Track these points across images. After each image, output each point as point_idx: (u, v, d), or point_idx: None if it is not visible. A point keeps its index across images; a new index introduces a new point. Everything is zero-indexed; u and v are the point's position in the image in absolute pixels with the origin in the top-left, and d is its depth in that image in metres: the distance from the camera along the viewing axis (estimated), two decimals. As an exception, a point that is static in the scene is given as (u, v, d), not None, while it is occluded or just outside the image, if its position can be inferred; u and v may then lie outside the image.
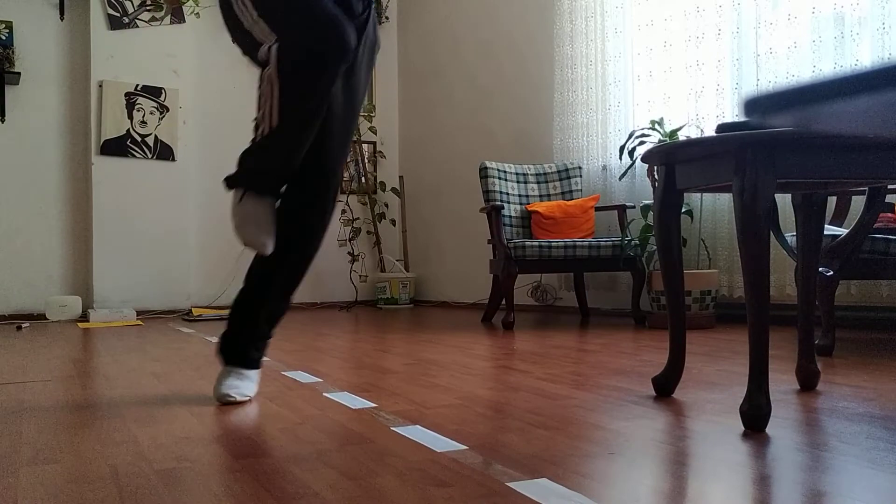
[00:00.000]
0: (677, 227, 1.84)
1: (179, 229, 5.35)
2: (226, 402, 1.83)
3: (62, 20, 5.19)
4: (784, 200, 3.34)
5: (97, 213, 5.08)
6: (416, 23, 6.31)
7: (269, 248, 1.82)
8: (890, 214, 2.88)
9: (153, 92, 5.26)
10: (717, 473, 1.18)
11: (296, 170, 1.86)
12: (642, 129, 3.86)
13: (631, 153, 3.85)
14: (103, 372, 2.46)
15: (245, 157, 1.85)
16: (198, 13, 5.40)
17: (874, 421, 1.52)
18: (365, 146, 6.27)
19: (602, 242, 3.90)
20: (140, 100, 5.23)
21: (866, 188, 2.44)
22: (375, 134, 6.30)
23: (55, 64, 5.17)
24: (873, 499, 1.04)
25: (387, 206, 6.36)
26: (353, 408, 1.76)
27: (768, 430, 1.45)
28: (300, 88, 1.74)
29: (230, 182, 1.84)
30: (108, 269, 5.09)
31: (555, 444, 1.38)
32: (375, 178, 6.32)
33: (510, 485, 1.13)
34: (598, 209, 4.26)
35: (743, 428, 1.47)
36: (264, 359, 1.96)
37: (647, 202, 3.71)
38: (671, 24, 4.12)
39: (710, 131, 3.83)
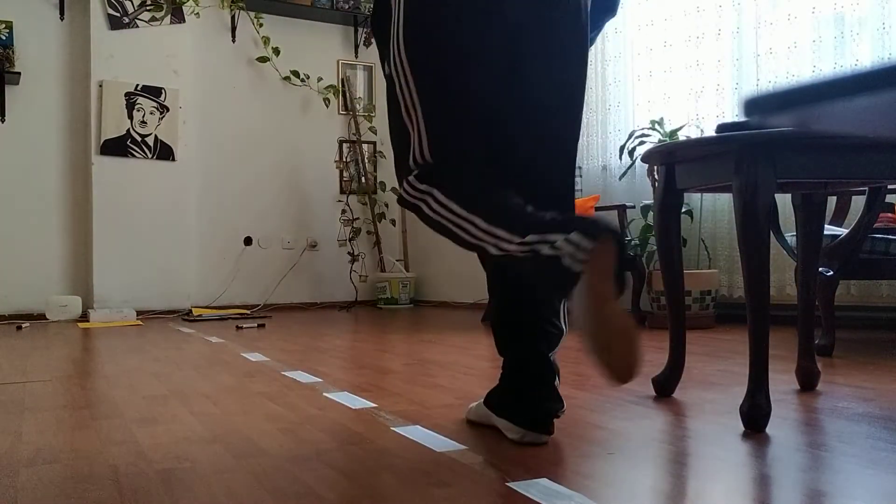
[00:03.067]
0: (677, 228, 1.84)
1: (179, 229, 5.34)
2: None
3: (62, 20, 5.19)
4: (784, 200, 3.33)
5: (97, 213, 5.07)
6: (416, 23, 6.30)
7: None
8: (890, 214, 2.88)
9: (153, 92, 5.26)
10: (716, 473, 1.18)
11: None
12: (642, 129, 3.86)
13: (631, 153, 3.85)
14: (103, 372, 2.46)
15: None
16: (198, 13, 5.40)
17: (874, 421, 1.52)
18: (365, 146, 6.27)
19: (602, 242, 3.89)
20: (140, 100, 5.23)
21: (866, 188, 2.43)
22: (375, 134, 6.30)
23: (55, 64, 5.17)
24: (873, 499, 1.04)
25: (387, 206, 6.35)
26: (354, 408, 1.76)
27: (768, 430, 1.45)
28: None
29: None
30: (108, 269, 5.08)
31: (555, 444, 1.38)
32: (375, 178, 6.32)
33: (510, 485, 1.13)
34: (598, 209, 4.26)
35: (743, 428, 1.47)
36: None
37: (647, 202, 3.71)
38: (671, 24, 4.12)
39: (710, 131, 3.83)
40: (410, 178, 1.38)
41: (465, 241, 1.33)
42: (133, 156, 5.20)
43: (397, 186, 1.44)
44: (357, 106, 6.25)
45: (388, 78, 1.43)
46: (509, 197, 1.32)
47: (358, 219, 6.22)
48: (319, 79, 6.06)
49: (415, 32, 1.36)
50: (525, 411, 1.37)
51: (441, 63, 1.36)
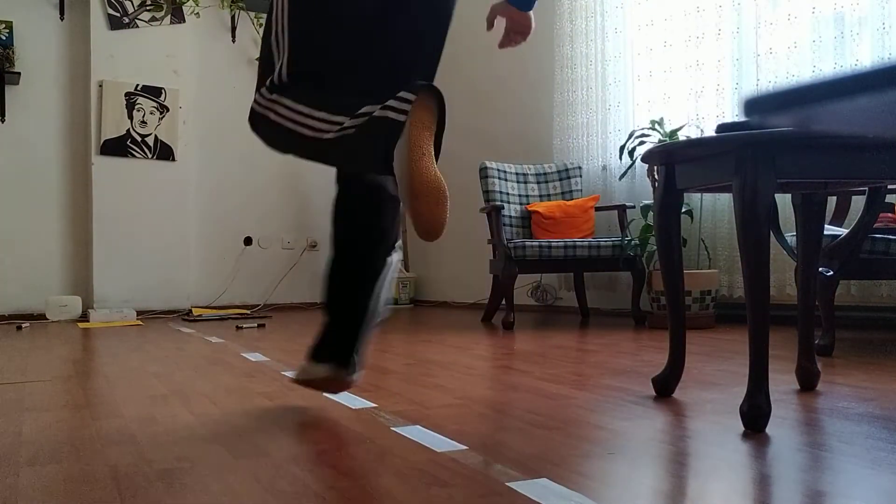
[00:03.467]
0: (677, 227, 1.84)
1: (179, 229, 5.35)
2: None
3: (62, 20, 5.19)
4: (784, 200, 3.33)
5: (97, 213, 5.07)
6: (416, 23, 6.30)
7: None
8: (890, 214, 2.88)
9: (153, 92, 5.26)
10: (717, 473, 1.18)
11: None
12: (642, 129, 3.86)
13: (631, 153, 3.85)
14: (103, 372, 2.46)
15: None
16: (198, 13, 5.40)
17: (874, 421, 1.52)
18: (365, 146, 6.27)
19: (602, 242, 3.90)
20: (140, 100, 5.23)
21: (866, 188, 2.44)
22: (375, 134, 6.30)
23: (55, 64, 5.17)
24: (873, 499, 1.04)
25: (387, 206, 6.35)
26: (353, 408, 1.76)
27: (768, 430, 1.45)
28: None
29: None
30: (108, 269, 5.08)
31: (555, 444, 1.38)
32: (375, 178, 6.32)
33: (510, 485, 1.13)
34: (598, 209, 4.26)
35: (743, 428, 1.47)
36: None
37: (647, 202, 3.71)
38: (671, 24, 4.12)
39: (710, 131, 3.83)
40: (262, 89, 1.57)
41: (304, 136, 1.48)
42: (133, 156, 5.20)
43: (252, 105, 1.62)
44: (357, 106, 6.25)
45: (270, 5, 1.60)
46: (352, 97, 1.47)
47: (358, 219, 6.21)
48: (319, 79, 6.05)
49: None
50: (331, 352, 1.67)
51: (311, 8, 1.55)
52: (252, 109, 1.59)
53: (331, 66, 1.58)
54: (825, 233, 2.06)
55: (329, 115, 1.45)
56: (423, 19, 1.66)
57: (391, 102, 1.36)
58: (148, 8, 5.26)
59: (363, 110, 1.39)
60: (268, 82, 1.57)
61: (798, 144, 1.48)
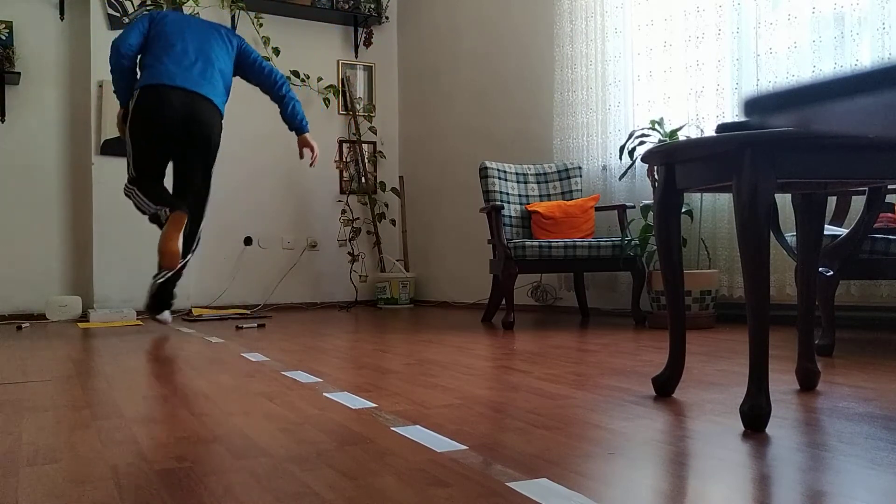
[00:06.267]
0: (677, 227, 1.84)
1: (179, 229, 5.34)
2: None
3: (62, 20, 5.19)
4: (784, 200, 3.33)
5: (97, 213, 5.07)
6: (416, 23, 6.31)
7: None
8: (890, 214, 2.88)
9: (153, 92, 5.25)
10: (717, 473, 1.18)
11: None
12: (642, 129, 3.86)
13: (631, 153, 3.85)
14: (103, 372, 2.46)
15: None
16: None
17: (874, 421, 1.52)
18: (365, 146, 6.27)
19: (602, 242, 3.90)
20: (140, 100, 5.22)
21: (866, 188, 2.44)
22: (375, 134, 6.31)
23: (55, 64, 5.17)
24: (873, 499, 1.04)
25: (387, 206, 6.36)
26: (353, 408, 1.76)
27: (768, 430, 1.45)
28: None
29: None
30: (108, 269, 5.08)
31: (555, 444, 1.38)
32: (375, 178, 6.32)
33: (510, 485, 1.13)
34: (598, 209, 4.26)
35: (743, 428, 1.47)
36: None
37: (647, 202, 3.71)
38: (671, 24, 4.12)
39: (710, 131, 3.83)
40: (127, 182, 3.68)
41: (143, 209, 3.66)
42: (133, 156, 5.19)
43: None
44: (357, 106, 6.25)
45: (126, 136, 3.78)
46: (161, 191, 3.68)
47: (358, 219, 6.22)
48: (319, 79, 6.06)
49: (133, 123, 3.63)
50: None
51: (140, 141, 3.65)
52: (126, 191, 3.71)
53: (150, 173, 3.69)
54: (825, 233, 2.06)
55: (150, 201, 3.60)
56: (201, 151, 3.77)
57: (163, 211, 3.55)
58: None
59: (157, 206, 3.58)
60: (128, 177, 3.69)
61: (798, 144, 1.48)
